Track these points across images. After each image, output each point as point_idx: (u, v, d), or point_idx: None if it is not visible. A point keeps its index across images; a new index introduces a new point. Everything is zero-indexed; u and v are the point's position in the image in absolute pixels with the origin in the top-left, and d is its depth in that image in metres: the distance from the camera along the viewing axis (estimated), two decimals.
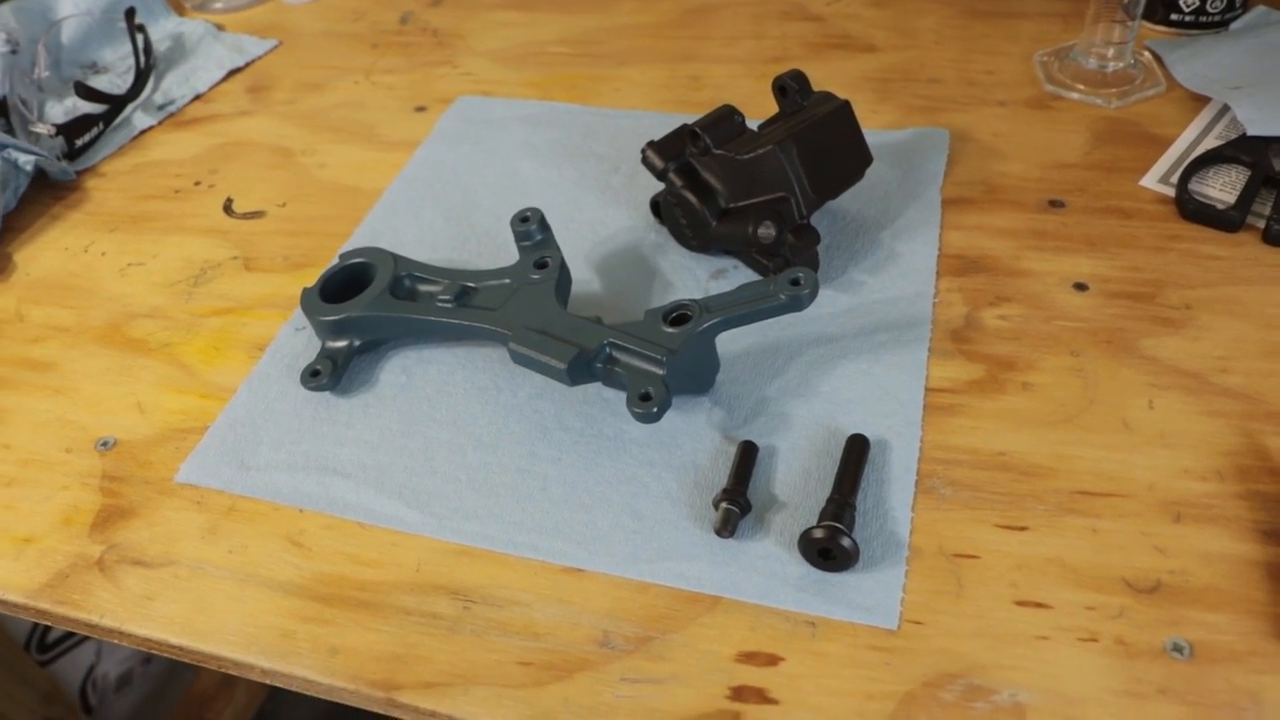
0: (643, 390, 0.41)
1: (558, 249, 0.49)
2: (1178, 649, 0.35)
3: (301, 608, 0.40)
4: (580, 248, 0.55)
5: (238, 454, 0.46)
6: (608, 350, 0.43)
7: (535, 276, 0.48)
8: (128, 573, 0.42)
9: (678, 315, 0.43)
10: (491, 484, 0.43)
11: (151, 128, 0.72)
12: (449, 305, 0.48)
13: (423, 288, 0.50)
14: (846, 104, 0.51)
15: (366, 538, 0.42)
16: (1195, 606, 0.36)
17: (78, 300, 0.57)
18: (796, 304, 0.42)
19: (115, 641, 0.41)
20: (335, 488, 0.44)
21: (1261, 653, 0.35)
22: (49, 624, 0.42)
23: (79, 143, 0.68)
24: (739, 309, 0.43)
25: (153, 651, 0.40)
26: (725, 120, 0.51)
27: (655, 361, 0.42)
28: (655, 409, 0.40)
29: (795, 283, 0.42)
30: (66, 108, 0.72)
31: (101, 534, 0.44)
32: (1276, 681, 0.34)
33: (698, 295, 0.51)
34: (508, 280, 0.48)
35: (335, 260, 0.52)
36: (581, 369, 0.43)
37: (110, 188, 0.66)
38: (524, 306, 0.46)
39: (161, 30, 0.82)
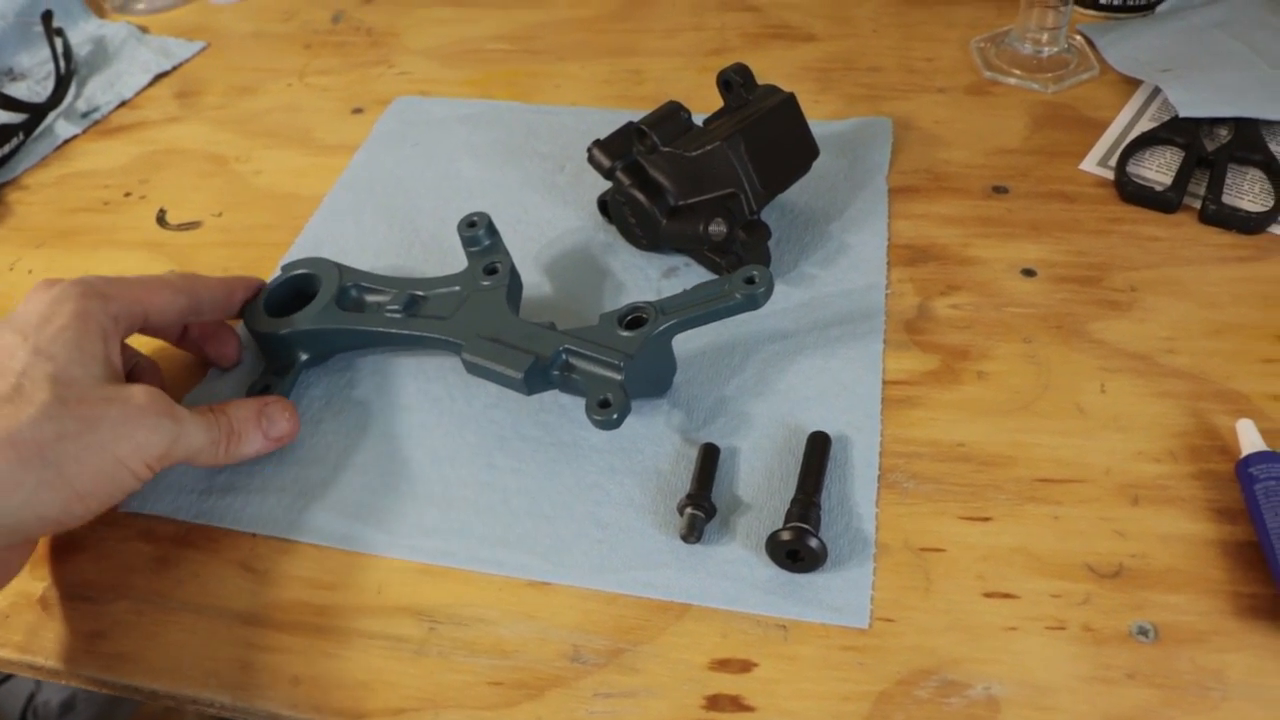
0: (601, 397, 0.40)
1: (507, 253, 0.48)
2: (1143, 632, 0.36)
3: (259, 637, 0.39)
4: (529, 250, 0.55)
5: (185, 478, 0.44)
6: (564, 357, 0.42)
7: (485, 283, 0.47)
8: (73, 609, 0.40)
9: (633, 318, 0.43)
10: (450, 498, 0.43)
11: (76, 136, 0.69)
12: (398, 315, 0.47)
13: (370, 298, 0.49)
14: (792, 97, 0.51)
15: (323, 560, 0.41)
16: (1157, 589, 0.37)
17: None
18: (752, 303, 0.42)
19: (63, 683, 0.40)
20: (287, 509, 0.43)
21: (1223, 631, 0.35)
22: (6, 674, 0.40)
23: None
24: (695, 310, 0.42)
25: (105, 691, 0.39)
26: (672, 117, 0.51)
27: (613, 367, 0.41)
28: (615, 415, 0.40)
29: (750, 281, 0.42)
30: None
31: (42, 570, 0.42)
32: (1240, 659, 0.34)
33: (650, 294, 0.51)
34: (457, 287, 0.47)
35: (277, 272, 0.51)
36: (538, 377, 0.42)
37: (34, 201, 0.64)
38: (475, 314, 0.45)
39: (81, 33, 0.79)
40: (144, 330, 0.44)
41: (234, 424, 0.42)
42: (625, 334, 0.42)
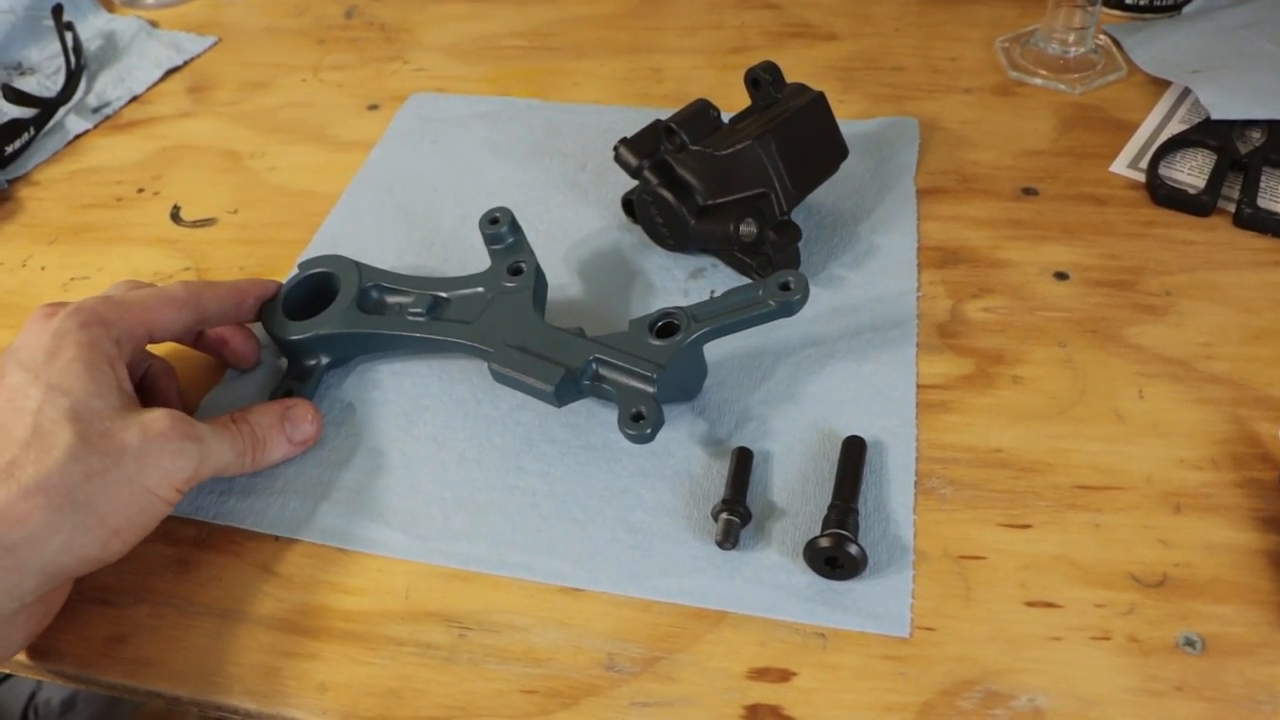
0: (634, 410, 0.39)
1: (531, 252, 0.47)
2: (1190, 643, 0.35)
3: (284, 642, 0.38)
4: (553, 250, 0.54)
5: (206, 480, 0.44)
6: (594, 367, 0.42)
7: (510, 284, 0.46)
8: (93, 613, 0.39)
9: (664, 325, 0.42)
10: (478, 502, 0.42)
11: (87, 131, 0.68)
12: (421, 319, 0.46)
13: (391, 299, 0.48)
14: (821, 96, 0.50)
15: (349, 564, 0.40)
16: (1203, 599, 0.36)
17: (19, 319, 0.53)
18: (787, 310, 0.41)
19: (82, 688, 0.39)
20: (310, 511, 0.42)
21: (1272, 644, 0.35)
22: (7, 673, 0.40)
23: (9, 149, 0.64)
24: (728, 317, 0.41)
25: (125, 697, 0.38)
26: (700, 115, 0.50)
27: (645, 378, 0.40)
28: (649, 429, 0.39)
29: (785, 287, 0.41)
30: None
31: None
32: None
33: (677, 296, 0.50)
34: (481, 289, 0.46)
35: (295, 270, 0.50)
36: (569, 388, 0.41)
37: (46, 197, 0.63)
38: (501, 318, 0.44)
39: (91, 28, 0.78)
40: (150, 343, 0.43)
41: (257, 432, 0.42)
42: (657, 343, 0.41)
